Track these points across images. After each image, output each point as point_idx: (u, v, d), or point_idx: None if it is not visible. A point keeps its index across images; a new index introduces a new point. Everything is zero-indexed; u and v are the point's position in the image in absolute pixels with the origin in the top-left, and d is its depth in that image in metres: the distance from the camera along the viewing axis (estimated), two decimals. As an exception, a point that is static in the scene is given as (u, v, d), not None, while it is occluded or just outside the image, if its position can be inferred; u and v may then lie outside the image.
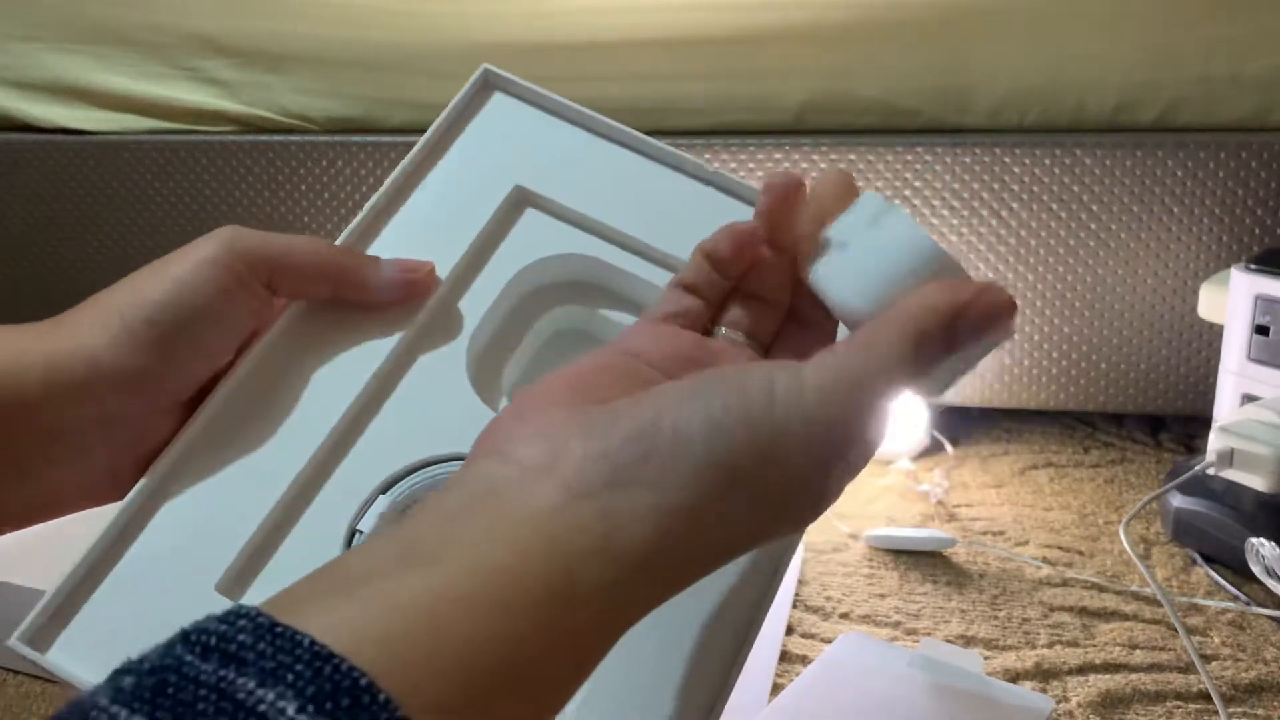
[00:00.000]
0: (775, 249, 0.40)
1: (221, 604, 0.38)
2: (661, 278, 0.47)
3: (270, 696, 0.22)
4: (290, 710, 0.21)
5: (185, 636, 0.23)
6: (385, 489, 0.42)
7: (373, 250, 0.47)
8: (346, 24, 1.08)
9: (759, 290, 0.40)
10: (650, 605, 0.31)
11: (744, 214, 0.45)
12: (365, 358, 0.43)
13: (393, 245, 0.47)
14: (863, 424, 0.31)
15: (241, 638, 0.23)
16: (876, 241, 0.36)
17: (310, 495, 0.42)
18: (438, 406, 0.44)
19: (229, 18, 1.11)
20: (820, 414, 0.31)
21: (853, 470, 0.33)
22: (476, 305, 0.46)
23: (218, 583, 0.40)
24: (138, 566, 0.40)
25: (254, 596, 0.40)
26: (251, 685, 0.22)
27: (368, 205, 0.47)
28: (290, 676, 0.22)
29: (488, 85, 0.50)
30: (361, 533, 0.41)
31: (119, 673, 0.23)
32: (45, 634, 0.39)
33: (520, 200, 0.48)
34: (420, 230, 0.46)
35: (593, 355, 0.36)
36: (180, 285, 0.40)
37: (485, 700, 0.25)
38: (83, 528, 0.42)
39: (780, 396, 0.31)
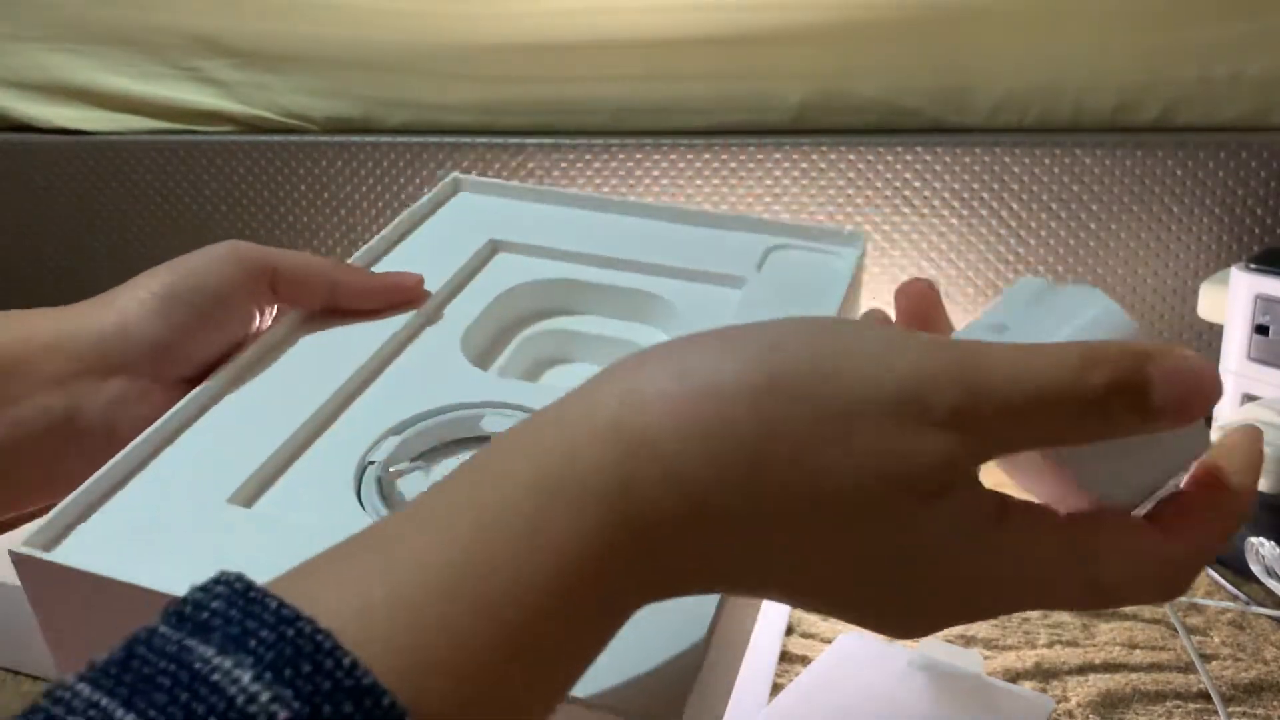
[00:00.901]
0: None
1: (233, 514, 0.39)
2: (630, 281, 0.51)
3: (227, 664, 0.21)
4: (245, 679, 0.21)
5: (169, 607, 0.23)
6: (397, 431, 0.44)
7: None
8: (346, 24, 1.08)
9: None
10: (679, 533, 0.25)
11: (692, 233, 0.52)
12: (369, 336, 0.47)
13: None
14: (988, 441, 0.25)
15: (215, 604, 0.22)
16: (1055, 316, 0.30)
17: (324, 430, 0.44)
18: (436, 370, 0.47)
19: (228, 18, 1.11)
20: (924, 376, 0.24)
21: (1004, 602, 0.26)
22: (467, 308, 0.49)
23: (230, 495, 0.41)
24: (152, 482, 0.41)
25: (264, 507, 0.41)
26: (210, 653, 0.21)
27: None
28: (252, 643, 0.21)
29: (456, 188, 0.54)
30: (374, 462, 0.43)
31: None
32: (53, 538, 0.39)
33: (494, 247, 0.52)
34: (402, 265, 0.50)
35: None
36: (196, 272, 0.43)
37: (472, 660, 0.23)
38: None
39: (876, 335, 0.26)
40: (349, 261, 0.49)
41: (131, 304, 0.42)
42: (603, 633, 0.26)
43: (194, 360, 0.43)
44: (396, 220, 0.52)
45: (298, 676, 0.21)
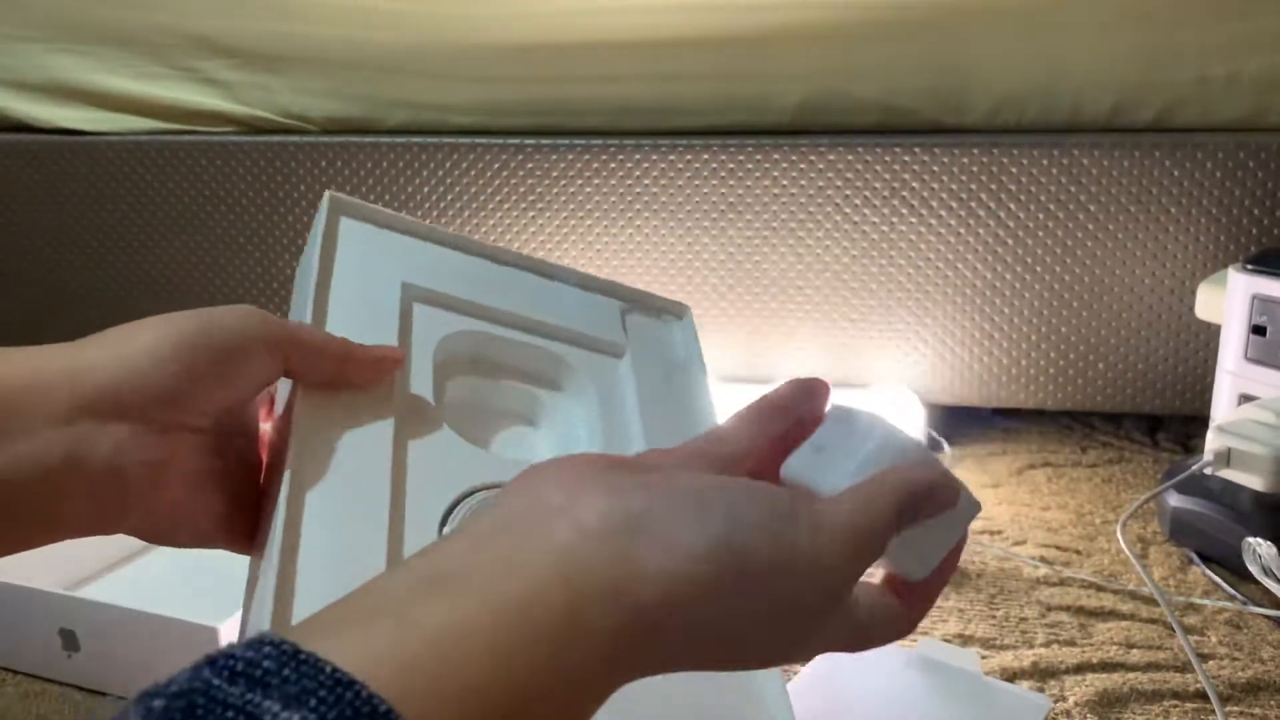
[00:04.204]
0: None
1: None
2: (530, 340, 0.55)
3: (296, 718, 0.22)
4: None
5: (211, 662, 0.24)
6: (445, 523, 0.46)
7: None
8: (346, 25, 1.08)
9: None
10: (649, 667, 0.32)
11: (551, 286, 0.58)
12: (380, 429, 0.48)
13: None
14: (854, 576, 0.35)
15: (267, 664, 0.24)
16: (854, 441, 0.40)
17: (400, 536, 0.45)
18: (455, 456, 0.49)
19: (229, 19, 1.11)
20: (830, 551, 0.34)
21: (826, 642, 0.36)
22: (423, 377, 0.52)
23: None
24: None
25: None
26: (277, 709, 0.23)
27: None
28: (313, 701, 0.23)
29: (335, 209, 0.56)
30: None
31: (146, 695, 0.23)
32: None
33: (408, 297, 0.54)
34: (353, 333, 0.51)
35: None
36: (215, 325, 0.43)
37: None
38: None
39: (803, 522, 0.34)
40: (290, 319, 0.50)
41: (145, 348, 0.41)
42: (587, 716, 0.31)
43: (200, 410, 0.43)
44: (306, 269, 0.54)
45: None
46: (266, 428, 0.50)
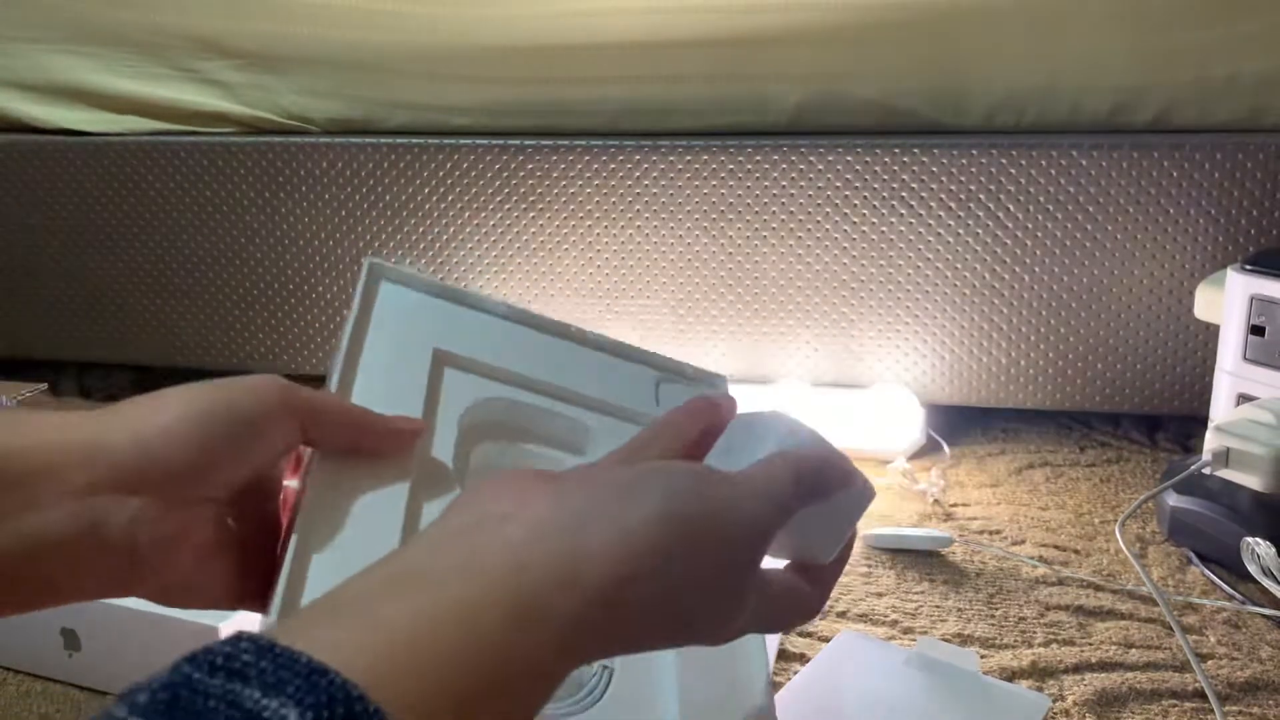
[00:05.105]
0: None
1: None
2: (561, 408, 0.56)
3: (274, 704, 0.24)
4: (292, 717, 0.24)
5: (191, 659, 0.25)
6: None
7: None
8: (347, 26, 1.08)
9: None
10: (607, 647, 0.35)
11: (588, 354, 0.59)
12: (396, 492, 0.49)
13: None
14: (767, 532, 0.38)
15: (245, 657, 0.25)
16: (756, 437, 0.44)
17: None
18: None
19: (230, 19, 1.11)
20: (748, 506, 0.37)
21: (749, 619, 0.39)
22: (446, 444, 0.53)
23: None
24: None
25: None
26: (257, 695, 0.24)
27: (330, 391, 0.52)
28: (291, 689, 0.24)
29: (374, 275, 0.56)
30: None
31: (130, 691, 0.24)
32: None
33: (439, 363, 0.55)
34: (378, 399, 0.52)
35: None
36: (237, 397, 0.43)
37: (459, 710, 0.29)
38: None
39: (723, 482, 0.38)
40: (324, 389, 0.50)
41: (164, 428, 0.42)
42: (544, 700, 0.33)
43: (217, 484, 0.43)
44: (345, 335, 0.54)
45: (334, 717, 0.24)
46: (293, 484, 0.50)
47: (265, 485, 0.48)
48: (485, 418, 0.55)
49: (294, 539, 0.44)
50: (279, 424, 0.44)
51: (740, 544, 0.37)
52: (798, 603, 0.42)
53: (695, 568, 0.35)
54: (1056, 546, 0.84)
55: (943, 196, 1.00)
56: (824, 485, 0.42)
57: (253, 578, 0.46)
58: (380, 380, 0.52)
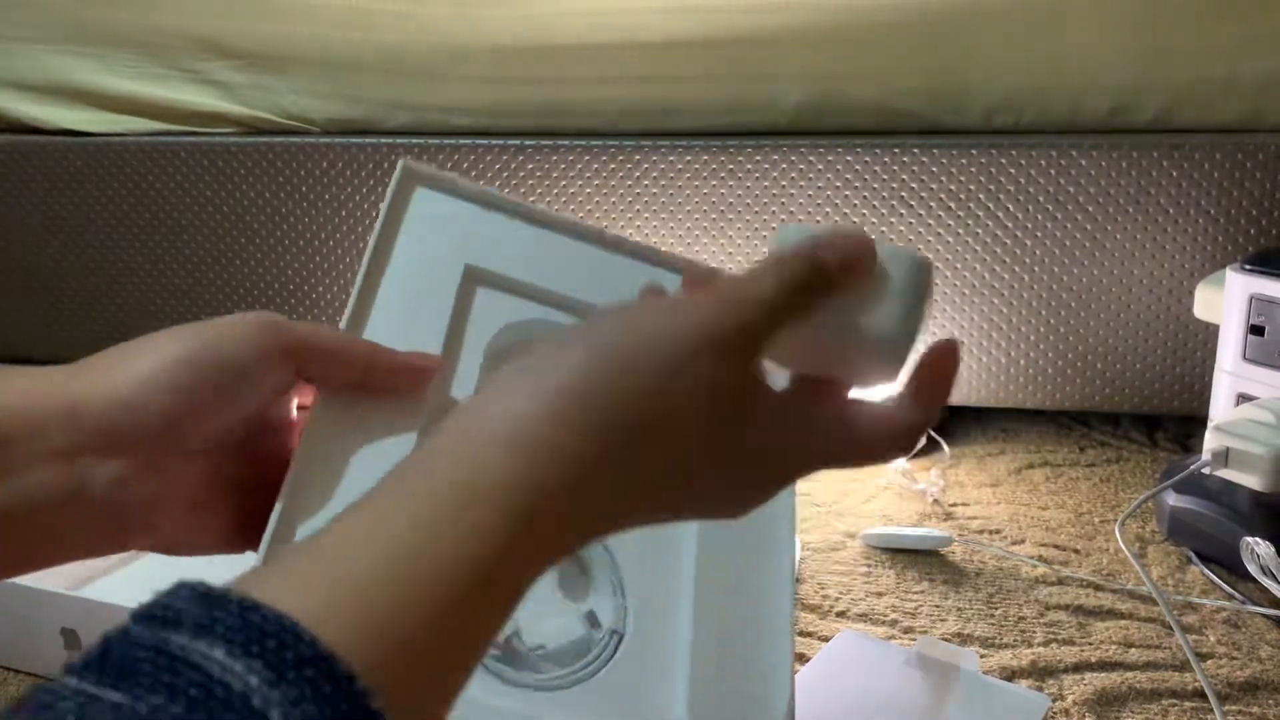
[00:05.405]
0: None
1: None
2: None
3: (201, 646, 0.24)
4: (219, 655, 0.24)
5: (134, 612, 0.26)
6: None
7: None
8: (347, 26, 1.08)
9: None
10: (576, 513, 0.32)
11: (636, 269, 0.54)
12: (404, 434, 0.46)
13: (379, 336, 0.49)
14: (731, 349, 0.34)
15: (179, 605, 0.26)
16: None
17: None
18: None
19: (231, 20, 1.11)
20: (693, 316, 0.34)
21: (815, 454, 0.37)
22: (465, 386, 0.49)
23: None
24: None
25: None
26: (184, 640, 0.25)
27: (346, 314, 0.48)
28: (220, 629, 0.25)
29: (407, 179, 0.53)
30: None
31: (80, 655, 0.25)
32: None
33: (471, 281, 0.52)
34: (398, 321, 0.49)
35: None
36: (220, 341, 0.41)
37: (403, 627, 0.28)
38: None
39: (669, 300, 0.36)
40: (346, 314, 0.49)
41: (142, 378, 0.40)
42: (513, 602, 0.31)
43: (203, 435, 0.41)
44: (369, 249, 0.51)
45: (265, 651, 0.24)
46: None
47: (271, 420, 0.46)
48: (515, 341, 0.52)
49: (285, 486, 0.42)
50: (269, 367, 0.42)
51: (695, 354, 0.33)
52: (893, 424, 0.38)
53: (637, 396, 0.33)
54: (1056, 546, 0.84)
55: (943, 196, 1.00)
56: (836, 260, 0.36)
57: (255, 521, 0.44)
58: (403, 302, 0.49)
